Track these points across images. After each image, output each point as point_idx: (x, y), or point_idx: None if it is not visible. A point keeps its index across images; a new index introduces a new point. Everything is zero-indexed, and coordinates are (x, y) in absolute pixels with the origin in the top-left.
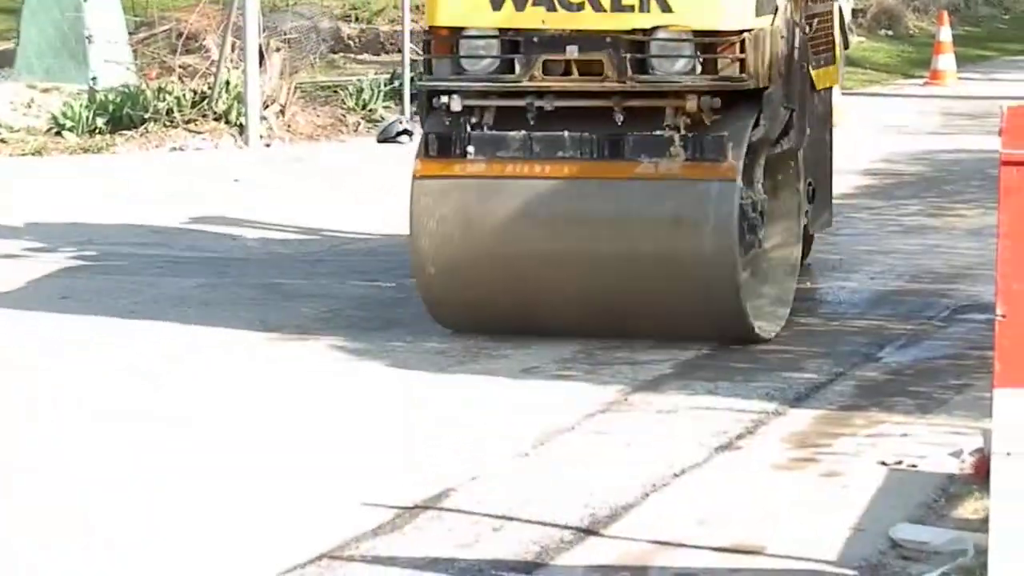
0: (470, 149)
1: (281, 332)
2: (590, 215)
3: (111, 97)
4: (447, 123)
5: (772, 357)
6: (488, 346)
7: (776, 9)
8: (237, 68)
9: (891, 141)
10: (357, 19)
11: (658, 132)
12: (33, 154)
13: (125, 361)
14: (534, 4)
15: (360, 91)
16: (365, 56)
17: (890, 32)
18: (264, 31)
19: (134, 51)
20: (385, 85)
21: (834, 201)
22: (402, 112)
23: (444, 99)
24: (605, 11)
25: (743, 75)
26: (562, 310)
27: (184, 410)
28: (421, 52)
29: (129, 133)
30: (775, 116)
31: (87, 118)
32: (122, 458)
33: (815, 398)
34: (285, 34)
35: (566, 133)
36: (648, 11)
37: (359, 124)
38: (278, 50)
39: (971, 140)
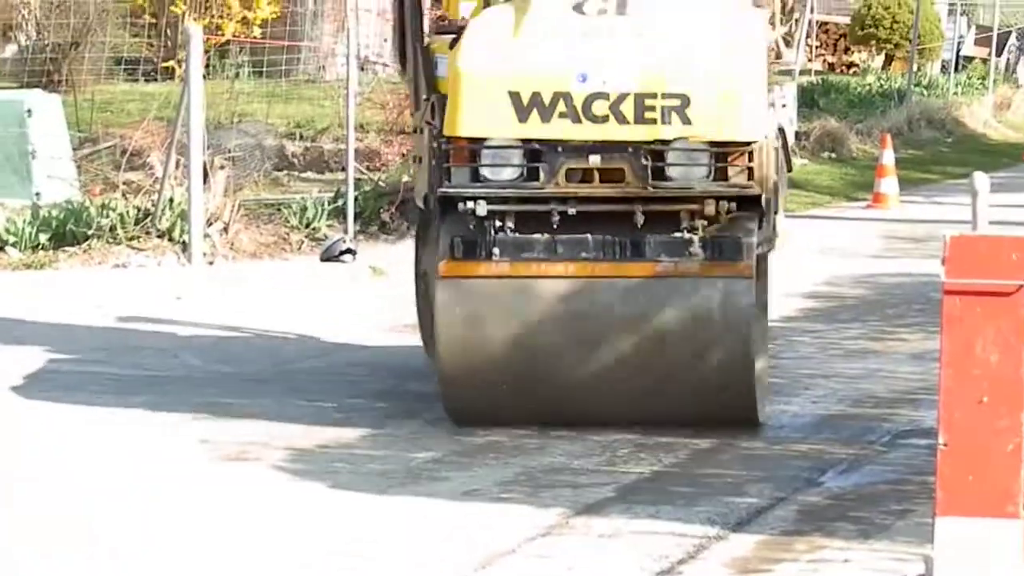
0: (496, 251)
1: (221, 452)
2: (613, 313)
3: (54, 213)
4: (471, 226)
5: (714, 481)
6: (429, 467)
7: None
8: (181, 185)
9: (833, 264)
10: (301, 137)
11: (676, 234)
12: None
13: (60, 485)
14: (560, 116)
15: (304, 209)
16: (309, 174)
17: (833, 155)
18: (208, 148)
19: (78, 167)
20: (329, 203)
21: (775, 324)
22: (346, 231)
23: (470, 204)
24: (629, 123)
25: (751, 182)
26: (583, 402)
27: (121, 536)
28: (438, 160)
29: (72, 249)
30: (770, 221)
31: (30, 234)
32: None
33: (757, 523)
34: (229, 151)
35: (589, 236)
36: (670, 123)
37: (303, 242)
38: (222, 167)
39: (913, 264)
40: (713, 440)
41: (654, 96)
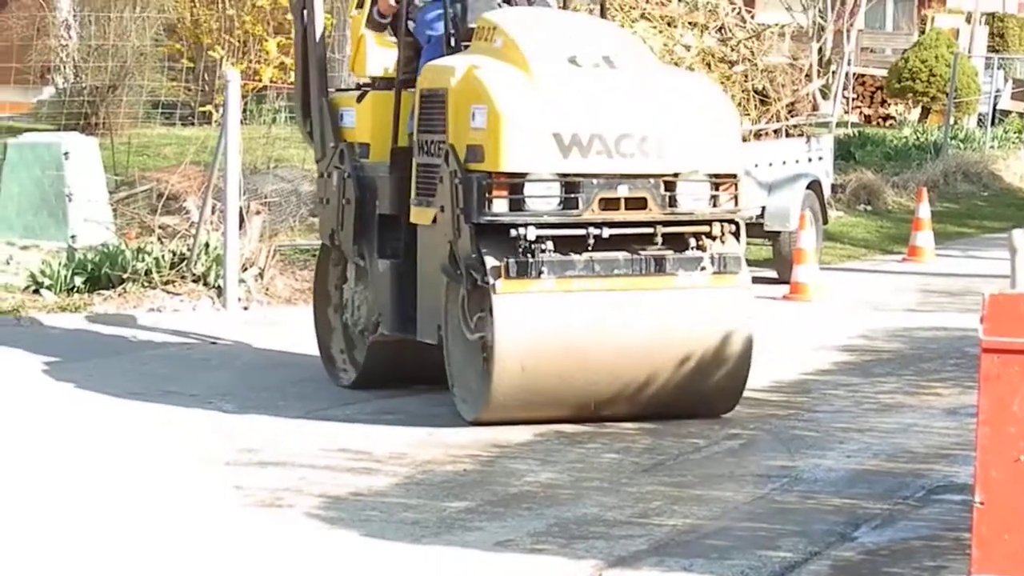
0: (544, 270)
1: (254, 499)
2: (641, 320)
3: (90, 256)
4: (519, 250)
5: (747, 534)
6: (462, 517)
7: None
8: (217, 230)
9: (868, 317)
10: None
11: (688, 252)
12: (10, 312)
13: (91, 530)
14: (596, 153)
15: None
16: None
17: (869, 207)
18: (244, 193)
19: (114, 210)
20: None
21: (810, 378)
22: None
23: (521, 231)
24: (650, 158)
25: (737, 207)
26: (615, 393)
27: None
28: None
29: (107, 293)
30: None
31: (65, 276)
32: None
33: None
34: (265, 197)
35: (620, 255)
36: (681, 158)
37: None
38: (258, 213)
39: (949, 318)
40: (746, 493)
41: (668, 136)
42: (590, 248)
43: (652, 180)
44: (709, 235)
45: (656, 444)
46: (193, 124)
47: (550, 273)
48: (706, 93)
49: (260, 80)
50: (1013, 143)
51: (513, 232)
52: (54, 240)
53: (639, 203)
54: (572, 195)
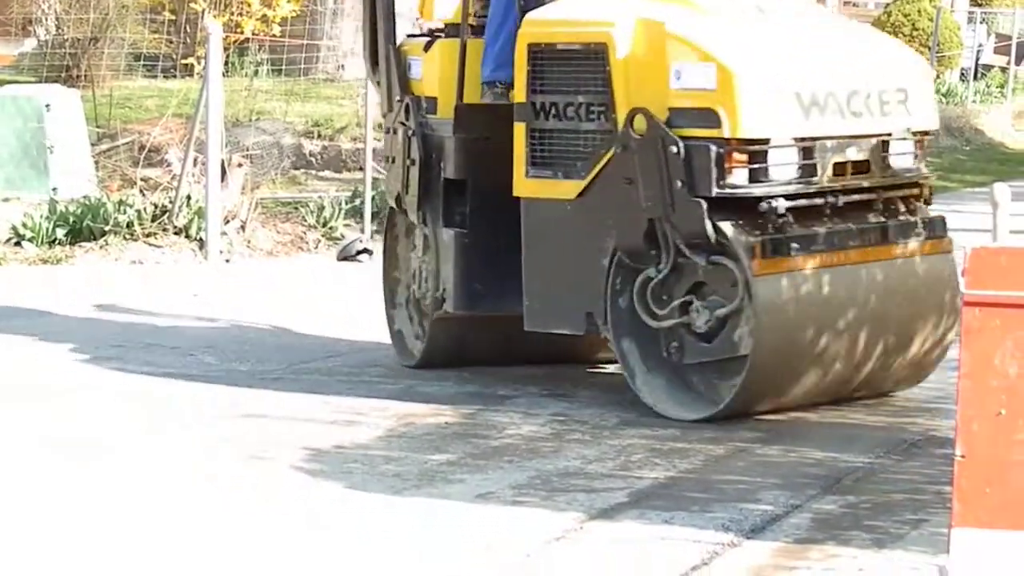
0: (794, 246)
1: (236, 452)
2: (881, 293)
3: (71, 208)
4: (768, 225)
5: (728, 487)
6: (443, 469)
7: None
8: (198, 183)
9: None
10: (319, 136)
11: (902, 218)
12: None
13: (72, 482)
14: (832, 113)
15: (321, 208)
16: (327, 173)
17: None
18: (227, 146)
19: (96, 163)
20: (346, 203)
21: None
22: (362, 231)
23: (774, 203)
24: (875, 116)
25: (921, 166)
26: (867, 372)
27: (134, 534)
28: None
29: (89, 245)
30: None
31: (47, 229)
32: None
33: (771, 530)
34: (247, 149)
35: (852, 225)
36: (899, 115)
37: (319, 242)
38: (240, 165)
39: None
40: (728, 446)
41: (887, 92)
42: (826, 219)
43: (874, 140)
44: (918, 197)
45: (637, 398)
46: (175, 76)
47: (800, 250)
48: (898, 45)
49: (242, 32)
50: (995, 98)
51: (763, 206)
52: (35, 192)
53: (862, 167)
54: (810, 161)
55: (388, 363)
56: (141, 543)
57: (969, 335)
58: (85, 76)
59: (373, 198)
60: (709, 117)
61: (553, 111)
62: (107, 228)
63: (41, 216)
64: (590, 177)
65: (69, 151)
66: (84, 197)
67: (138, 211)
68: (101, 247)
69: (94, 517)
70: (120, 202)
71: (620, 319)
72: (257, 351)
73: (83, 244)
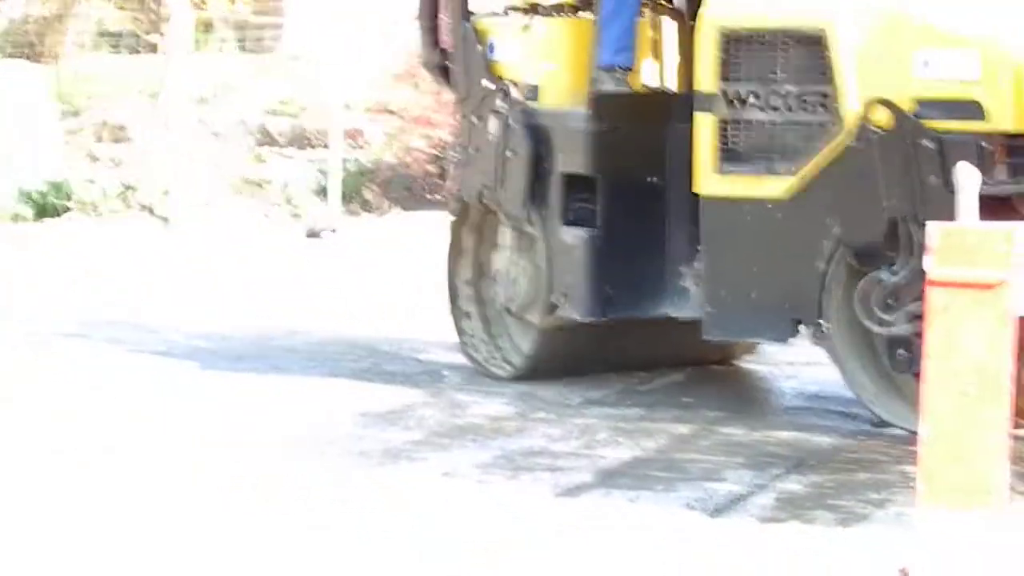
0: None
1: (200, 433)
2: None
3: (36, 186)
4: None
5: (693, 466)
6: (408, 448)
7: None
8: (164, 160)
9: None
10: (285, 114)
11: None
12: None
13: (51, 460)
14: None
15: (286, 186)
16: (292, 150)
17: None
18: (192, 123)
19: (61, 140)
20: (312, 181)
21: None
22: (328, 208)
23: None
24: None
25: None
26: None
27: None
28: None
29: (53, 222)
30: None
31: (11, 206)
32: None
33: (736, 509)
34: (213, 126)
35: None
36: None
37: (285, 219)
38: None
39: None
40: (692, 426)
41: None
42: None
43: None
44: None
45: (602, 377)
46: (140, 53)
47: None
48: None
49: (206, 9)
50: None
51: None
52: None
53: None
54: None
55: (351, 341)
56: (106, 529)
57: (934, 315)
58: (49, 52)
59: (344, 179)
60: (970, 109)
61: (753, 101)
62: (72, 205)
63: (5, 194)
64: (807, 173)
65: (33, 129)
66: (49, 175)
67: (103, 188)
68: (66, 224)
69: (62, 495)
70: (85, 180)
71: (838, 326)
72: (221, 329)
73: (47, 221)
